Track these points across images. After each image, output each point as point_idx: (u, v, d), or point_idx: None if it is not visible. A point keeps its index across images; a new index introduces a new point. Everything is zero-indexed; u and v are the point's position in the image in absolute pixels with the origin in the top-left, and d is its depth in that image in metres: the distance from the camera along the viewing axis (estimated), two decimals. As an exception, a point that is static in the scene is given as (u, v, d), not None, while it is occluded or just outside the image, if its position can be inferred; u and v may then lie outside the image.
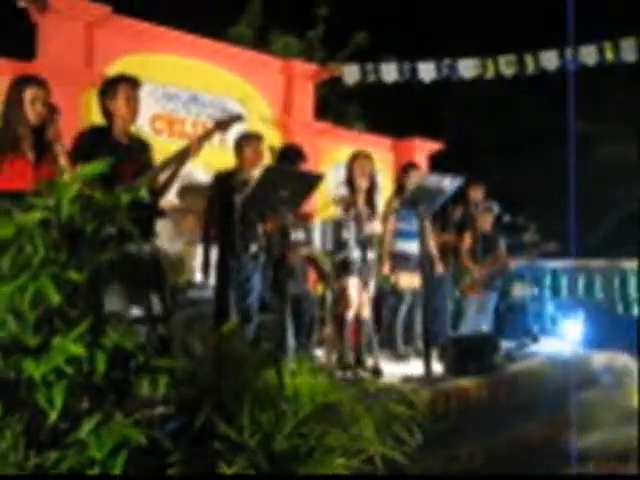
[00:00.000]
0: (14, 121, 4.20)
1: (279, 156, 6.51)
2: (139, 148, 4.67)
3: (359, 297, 6.02)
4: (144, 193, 3.19)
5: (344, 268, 5.99)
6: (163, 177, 4.62)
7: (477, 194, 8.44)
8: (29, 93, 4.27)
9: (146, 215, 4.33)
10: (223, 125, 4.83)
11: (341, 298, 6.06)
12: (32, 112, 4.28)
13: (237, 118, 4.95)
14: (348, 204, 6.07)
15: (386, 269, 6.85)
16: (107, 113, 4.58)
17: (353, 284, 5.97)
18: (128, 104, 4.56)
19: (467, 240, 8.05)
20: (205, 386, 2.96)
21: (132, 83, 4.61)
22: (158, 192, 4.62)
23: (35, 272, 2.32)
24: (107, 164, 2.55)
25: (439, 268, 7.37)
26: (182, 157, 4.54)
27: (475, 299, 7.98)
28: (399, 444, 3.24)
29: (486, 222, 8.11)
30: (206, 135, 4.72)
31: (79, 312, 2.39)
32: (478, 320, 7.94)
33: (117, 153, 4.23)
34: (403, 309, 7.11)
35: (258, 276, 5.68)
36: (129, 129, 4.63)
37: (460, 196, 7.88)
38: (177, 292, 6.24)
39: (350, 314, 5.99)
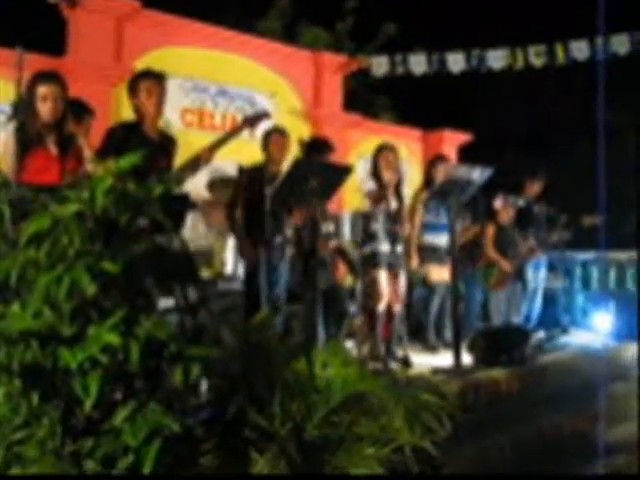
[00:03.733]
0: (27, 117, 4.22)
1: (307, 148, 6.53)
2: (168, 143, 4.70)
3: (389, 289, 6.03)
4: (175, 186, 3.25)
5: (373, 261, 6.00)
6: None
7: (533, 188, 8.39)
8: (40, 90, 4.29)
9: (177, 207, 4.38)
10: (251, 122, 4.87)
11: (371, 291, 6.07)
12: (43, 109, 4.29)
13: (265, 115, 4.99)
14: (377, 197, 6.07)
15: (414, 263, 6.82)
16: (135, 109, 4.61)
17: (383, 277, 5.97)
18: (150, 99, 4.56)
19: (489, 232, 7.97)
20: (236, 375, 2.99)
21: (154, 78, 4.60)
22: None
23: (70, 263, 2.36)
24: (141, 158, 2.60)
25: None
26: (193, 166, 4.60)
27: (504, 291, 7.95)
28: (429, 434, 3.26)
29: (506, 216, 8.02)
30: (233, 132, 4.76)
31: (113, 302, 2.43)
32: (508, 311, 7.91)
33: (148, 148, 4.28)
34: (435, 302, 7.09)
35: (285, 267, 5.73)
36: (158, 124, 4.66)
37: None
38: (207, 284, 6.29)
39: (381, 307, 6.00)
